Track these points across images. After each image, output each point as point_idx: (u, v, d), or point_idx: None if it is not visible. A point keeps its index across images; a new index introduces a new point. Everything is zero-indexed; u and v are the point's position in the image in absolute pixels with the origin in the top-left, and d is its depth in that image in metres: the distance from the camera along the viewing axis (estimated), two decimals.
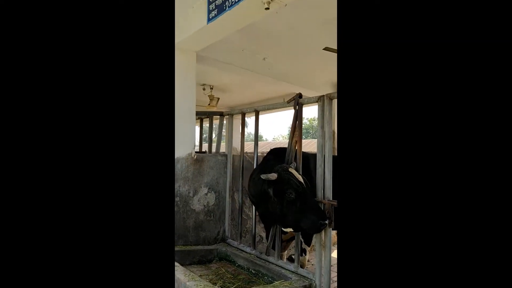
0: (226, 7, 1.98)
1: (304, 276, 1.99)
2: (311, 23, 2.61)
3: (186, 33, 2.45)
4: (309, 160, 2.60)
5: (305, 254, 2.51)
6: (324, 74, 3.94)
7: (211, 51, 2.97)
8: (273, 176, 1.95)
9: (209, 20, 2.16)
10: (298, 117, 2.17)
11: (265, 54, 3.26)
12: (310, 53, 3.23)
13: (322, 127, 2.00)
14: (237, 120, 4.08)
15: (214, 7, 2.10)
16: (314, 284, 1.92)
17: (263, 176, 1.95)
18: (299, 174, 2.00)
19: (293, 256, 2.83)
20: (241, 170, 2.67)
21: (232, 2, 1.93)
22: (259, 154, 2.56)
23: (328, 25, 2.59)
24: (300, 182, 1.90)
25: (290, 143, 2.24)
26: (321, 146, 2.00)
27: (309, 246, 2.52)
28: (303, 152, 2.52)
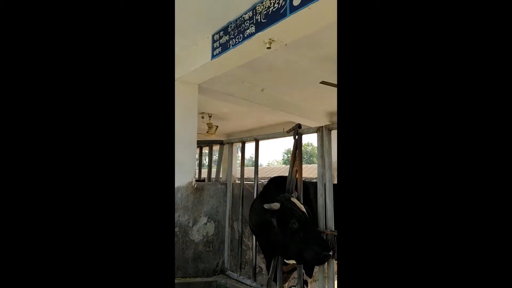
0: (230, 46, 2.13)
1: None
2: (310, 59, 2.78)
3: (190, 67, 2.58)
4: (308, 189, 2.63)
5: (307, 286, 2.45)
6: (319, 105, 4.12)
7: (211, 83, 3.11)
8: (276, 205, 1.96)
9: (213, 56, 2.30)
10: (298, 146, 2.24)
11: (264, 86, 3.42)
12: (307, 86, 3.41)
13: (322, 156, 2.07)
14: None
15: (218, 45, 2.24)
16: None
17: (266, 206, 1.96)
18: (301, 203, 2.03)
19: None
20: (241, 199, 2.68)
21: (235, 41, 2.07)
22: (259, 182, 2.59)
23: (326, 61, 2.77)
24: (302, 212, 1.93)
25: (290, 172, 2.29)
26: (322, 176, 2.05)
27: (310, 277, 2.47)
28: (304, 182, 2.56)
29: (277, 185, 2.48)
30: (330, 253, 1.80)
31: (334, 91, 3.32)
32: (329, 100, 3.79)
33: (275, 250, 2.10)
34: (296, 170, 2.24)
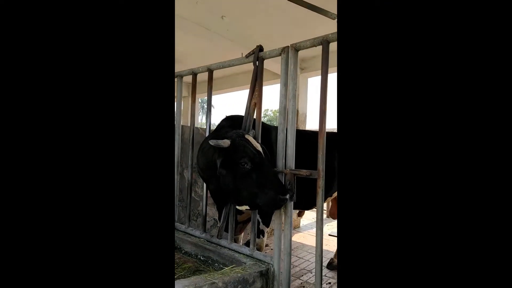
0: None
1: (261, 260, 1.70)
2: None
3: None
4: (270, 132, 2.29)
5: (263, 236, 2.22)
6: (288, 38, 3.64)
7: None
8: (225, 142, 1.59)
9: None
10: (258, 74, 1.82)
11: (223, 12, 2.83)
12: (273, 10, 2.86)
13: (286, 84, 1.68)
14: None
15: None
16: (272, 269, 1.63)
17: (212, 142, 1.58)
18: (258, 142, 1.67)
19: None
20: (191, 143, 2.27)
21: None
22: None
23: None
24: (257, 151, 1.58)
25: (248, 106, 1.89)
26: (284, 108, 1.69)
27: (267, 227, 2.24)
28: (264, 124, 2.19)
29: (232, 123, 2.09)
30: (287, 196, 1.50)
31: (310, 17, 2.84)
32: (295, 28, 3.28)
33: (226, 196, 1.78)
34: (255, 104, 1.84)
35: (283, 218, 1.70)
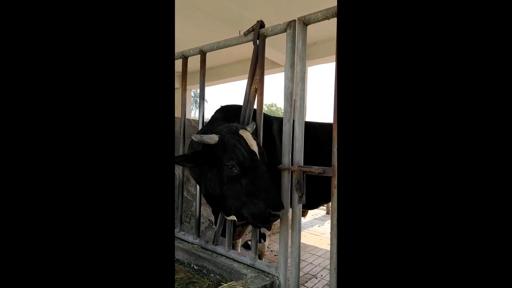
0: None
1: (264, 272, 1.46)
2: None
3: None
4: (271, 124, 2.04)
5: (264, 240, 1.99)
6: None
7: None
8: (212, 138, 1.33)
9: None
10: (259, 54, 1.55)
11: None
12: None
13: (293, 65, 1.42)
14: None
15: None
16: (278, 282, 1.39)
17: (195, 138, 1.34)
18: (255, 139, 1.40)
19: (249, 242, 2.29)
20: (182, 136, 2.00)
21: None
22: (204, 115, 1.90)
23: None
24: (251, 152, 1.32)
25: (247, 92, 1.63)
26: (290, 93, 1.43)
27: (269, 230, 2.00)
28: (264, 115, 1.94)
29: (228, 114, 1.82)
30: (279, 213, 1.25)
31: None
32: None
33: (214, 202, 1.53)
34: (256, 90, 1.58)
35: (289, 221, 1.46)
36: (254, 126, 1.55)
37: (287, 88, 1.43)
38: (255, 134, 1.58)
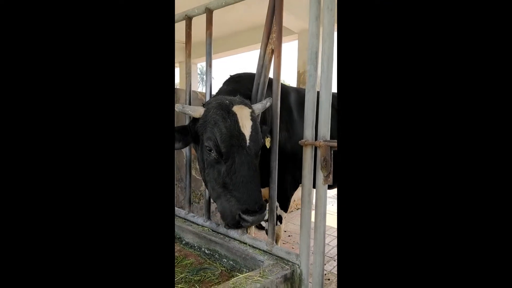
0: None
1: (283, 259, 1.30)
2: None
3: None
4: (288, 94, 1.81)
5: (281, 223, 1.83)
6: None
7: None
8: (196, 111, 1.19)
9: None
10: (276, 4, 1.29)
11: None
12: None
13: (318, 18, 1.16)
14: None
15: None
16: (299, 271, 1.24)
17: (177, 108, 1.17)
18: (254, 120, 1.18)
19: (263, 224, 2.15)
20: None
21: None
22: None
23: None
24: (234, 134, 1.11)
25: (262, 55, 1.39)
26: (315, 54, 1.19)
27: (286, 212, 1.84)
28: (281, 85, 1.69)
29: (237, 86, 1.59)
30: (249, 219, 1.06)
31: None
32: None
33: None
34: (272, 51, 1.34)
35: (313, 202, 1.28)
36: (268, 104, 1.32)
37: (312, 47, 1.18)
38: (268, 112, 1.36)
